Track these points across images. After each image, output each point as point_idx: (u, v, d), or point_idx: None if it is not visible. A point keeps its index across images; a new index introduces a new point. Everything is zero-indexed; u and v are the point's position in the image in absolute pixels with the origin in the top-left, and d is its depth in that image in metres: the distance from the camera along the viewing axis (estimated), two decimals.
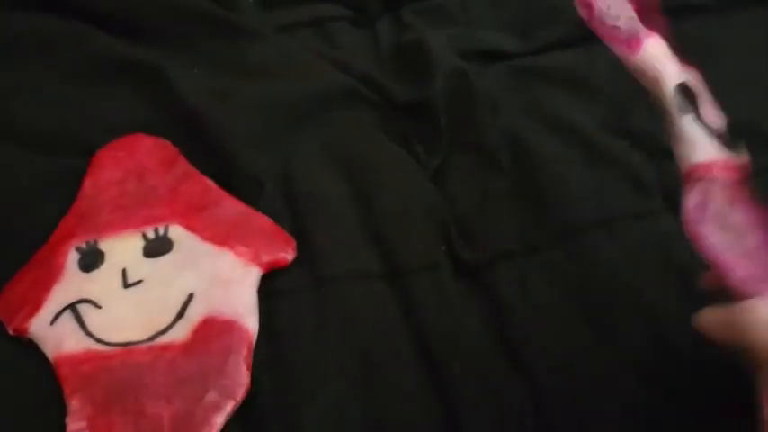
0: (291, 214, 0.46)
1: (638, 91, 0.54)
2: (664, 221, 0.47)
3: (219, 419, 0.37)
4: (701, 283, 0.37)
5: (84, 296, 0.41)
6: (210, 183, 0.47)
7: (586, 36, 0.58)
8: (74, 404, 0.38)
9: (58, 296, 0.41)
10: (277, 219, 0.46)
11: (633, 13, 0.38)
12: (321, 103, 0.53)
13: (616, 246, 0.45)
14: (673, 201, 0.46)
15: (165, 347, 0.40)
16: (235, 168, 0.48)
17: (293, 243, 0.44)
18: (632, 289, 0.43)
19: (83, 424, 0.37)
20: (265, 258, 0.43)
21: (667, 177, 0.48)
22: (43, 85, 0.53)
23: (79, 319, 0.41)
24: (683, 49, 0.38)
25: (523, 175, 0.49)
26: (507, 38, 0.58)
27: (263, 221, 0.45)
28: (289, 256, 0.44)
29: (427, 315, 0.42)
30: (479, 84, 0.53)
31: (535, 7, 0.61)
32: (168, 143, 0.49)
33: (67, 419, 0.38)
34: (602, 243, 0.45)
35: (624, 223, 0.46)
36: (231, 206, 0.45)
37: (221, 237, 0.44)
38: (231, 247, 0.43)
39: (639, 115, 0.52)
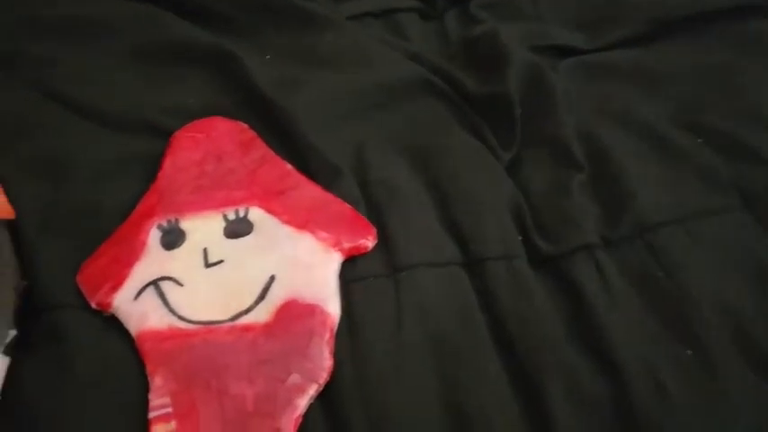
0: (367, 202, 0.46)
1: (709, 88, 0.54)
2: (740, 218, 0.46)
3: (303, 402, 0.37)
4: None
5: (167, 274, 0.41)
6: (289, 167, 0.46)
7: (655, 33, 0.59)
8: (157, 380, 0.38)
9: (141, 272, 0.41)
10: (353, 206, 0.45)
11: None
12: (393, 92, 0.53)
13: (693, 242, 0.45)
14: (749, 198, 0.47)
15: (247, 328, 0.40)
16: (310, 155, 0.48)
17: (373, 230, 0.44)
18: (710, 286, 0.43)
19: (166, 400, 0.37)
20: (346, 245, 0.43)
21: (741, 175, 0.48)
22: (115, 68, 0.54)
23: (162, 296, 0.41)
24: None
25: (598, 169, 0.49)
26: (576, 33, 0.58)
27: (344, 207, 0.45)
28: (369, 243, 0.43)
29: (505, 303, 0.42)
30: (552, 78, 0.53)
31: (603, 4, 0.60)
32: (246, 126, 0.49)
33: (150, 395, 0.38)
34: (678, 240, 0.45)
35: (700, 220, 0.46)
36: (310, 191, 0.45)
37: (301, 221, 0.43)
38: (312, 232, 0.43)
39: (712, 113, 0.51)
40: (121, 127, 0.50)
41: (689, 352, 0.40)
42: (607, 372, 0.40)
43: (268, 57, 0.55)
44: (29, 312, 0.40)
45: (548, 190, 0.48)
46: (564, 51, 0.57)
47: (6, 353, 0.39)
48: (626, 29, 0.58)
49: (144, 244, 0.42)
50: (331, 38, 0.56)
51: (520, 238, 0.45)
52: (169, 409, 0.37)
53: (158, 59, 0.54)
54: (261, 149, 0.47)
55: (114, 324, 0.40)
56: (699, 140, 0.50)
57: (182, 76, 0.53)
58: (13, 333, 0.39)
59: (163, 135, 0.49)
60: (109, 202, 0.45)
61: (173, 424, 0.37)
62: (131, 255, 0.42)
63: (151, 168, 0.47)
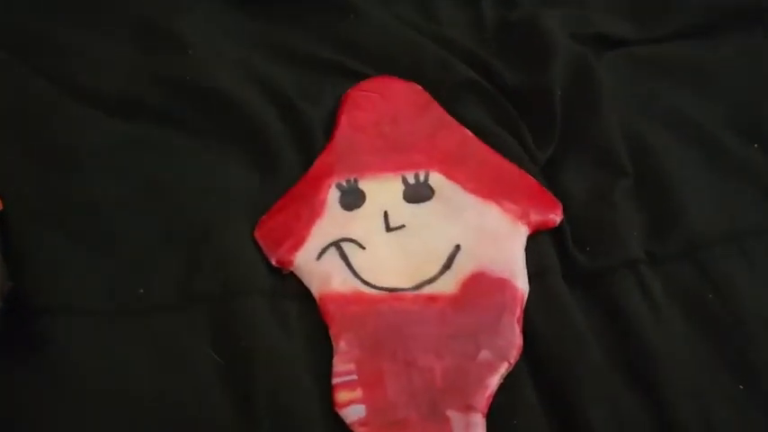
0: None
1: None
2: None
3: (494, 380, 0.35)
4: None
5: (348, 235, 0.40)
6: (468, 132, 0.44)
7: (712, 23, 0.52)
8: (342, 345, 0.37)
9: (322, 232, 0.40)
10: None
11: None
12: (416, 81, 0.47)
13: (748, 263, 0.40)
14: None
15: (432, 298, 0.38)
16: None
17: (560, 206, 0.41)
18: (766, 312, 0.38)
19: (351, 366, 0.36)
20: (534, 218, 0.40)
21: None
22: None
23: (345, 258, 0.39)
24: None
25: (644, 176, 0.43)
26: (623, 23, 0.51)
27: (529, 180, 0.42)
28: (557, 218, 0.41)
29: (536, 323, 0.38)
30: (599, 72, 0.47)
31: None
32: (420, 88, 0.46)
33: (335, 359, 0.36)
34: (732, 259, 0.40)
35: (756, 239, 0.41)
36: (494, 159, 0.43)
37: (486, 190, 0.41)
38: (497, 202, 0.41)
39: None
40: (119, 110, 0.45)
41: (741, 387, 0.36)
42: (654, 408, 0.35)
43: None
44: (14, 314, 0.37)
45: (588, 196, 0.43)
46: (608, 41, 0.50)
47: None
48: (679, 19, 0.51)
49: (323, 202, 0.41)
50: (353, 21, 0.50)
51: (553, 250, 0.41)
52: (354, 377, 0.36)
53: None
54: (437, 112, 0.45)
55: (108, 328, 0.38)
56: (755, 146, 0.45)
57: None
58: None
59: (167, 120, 0.45)
60: (106, 193, 0.42)
61: (358, 392, 0.35)
62: (312, 213, 0.41)
63: (150, 156, 0.43)
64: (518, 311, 0.37)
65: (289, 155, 0.44)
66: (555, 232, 0.41)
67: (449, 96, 0.47)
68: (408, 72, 0.47)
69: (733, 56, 0.49)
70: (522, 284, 0.38)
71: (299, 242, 0.40)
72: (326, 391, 0.36)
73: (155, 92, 0.46)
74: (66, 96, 0.46)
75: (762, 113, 0.46)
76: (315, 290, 0.38)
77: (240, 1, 0.51)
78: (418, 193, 0.42)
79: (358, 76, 0.48)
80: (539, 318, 0.38)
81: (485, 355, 0.36)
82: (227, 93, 0.45)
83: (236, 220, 0.41)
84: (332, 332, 0.37)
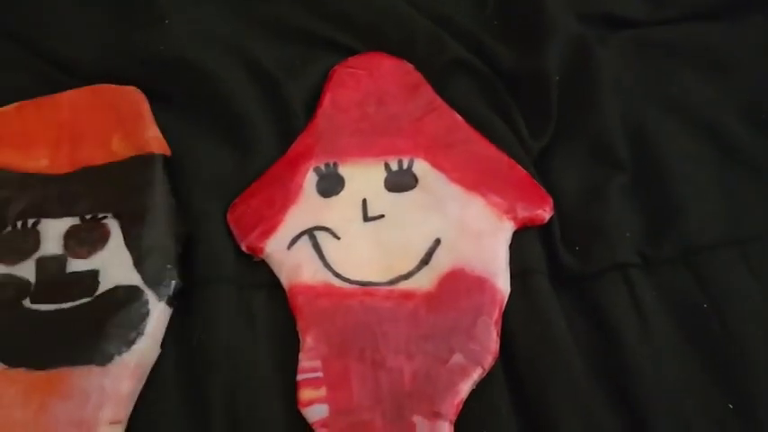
0: None
1: None
2: None
3: (465, 386, 0.33)
4: None
5: (323, 223, 0.38)
6: (458, 118, 0.42)
7: (732, 5, 0.47)
8: (308, 341, 0.35)
9: (296, 219, 0.38)
10: None
11: None
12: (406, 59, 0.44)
13: (748, 271, 0.37)
14: None
15: (407, 295, 0.36)
16: None
17: (551, 201, 0.39)
18: (763, 324, 0.36)
19: (317, 363, 0.34)
20: (521, 213, 0.38)
21: None
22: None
23: (317, 248, 0.37)
24: None
25: (645, 172, 0.41)
26: (634, 2, 0.48)
27: (519, 172, 0.40)
28: (546, 214, 0.39)
29: (516, 327, 0.36)
30: (600, 56, 0.44)
31: None
32: (411, 67, 0.44)
33: (301, 355, 0.35)
34: (731, 266, 0.38)
35: (759, 244, 0.38)
36: (483, 147, 0.41)
37: (472, 180, 0.39)
38: (483, 195, 0.38)
39: None
40: (95, 81, 0.44)
41: (730, 406, 0.34)
42: (632, 427, 0.33)
43: None
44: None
45: (581, 192, 0.40)
46: (617, 22, 0.47)
47: (169, 303, 0.36)
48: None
49: (300, 187, 0.39)
50: None
51: (540, 248, 0.38)
52: (319, 374, 0.34)
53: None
54: (427, 94, 0.43)
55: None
56: None
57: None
58: (174, 283, 0.36)
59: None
60: None
61: (322, 390, 0.34)
62: (286, 198, 0.39)
63: None
64: (496, 314, 0.35)
65: (266, 134, 0.41)
66: (543, 229, 0.39)
67: (440, 76, 0.44)
68: (399, 48, 0.45)
69: (753, 41, 0.46)
70: (502, 285, 0.36)
71: (270, 228, 0.38)
72: (290, 388, 0.34)
73: (128, 63, 0.44)
74: (45, 67, 0.45)
75: None
76: (284, 280, 0.37)
77: None
78: (401, 182, 0.39)
79: (348, 51, 0.45)
80: (518, 321, 0.36)
81: (457, 358, 0.34)
82: (200, 64, 0.43)
83: (206, 201, 0.39)
84: (299, 326, 0.35)
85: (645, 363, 0.35)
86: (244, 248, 0.38)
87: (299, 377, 0.34)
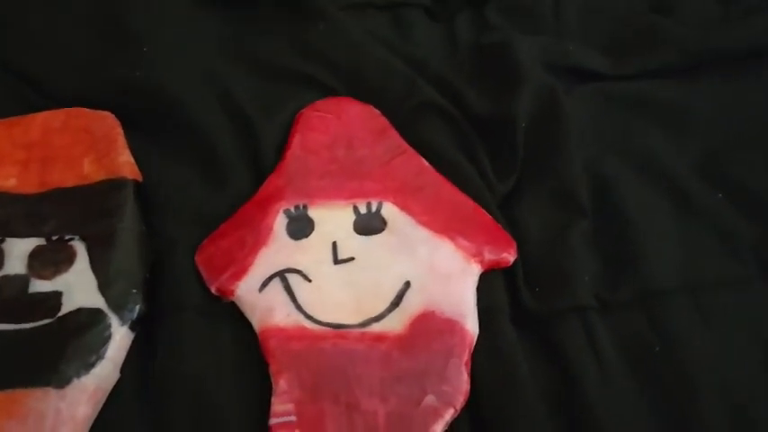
0: None
1: (742, 134, 0.46)
2: (756, 293, 0.40)
3: (438, 428, 0.34)
4: None
5: (294, 266, 0.38)
6: (425, 162, 0.43)
7: (691, 66, 0.50)
8: (281, 384, 0.35)
9: (267, 261, 0.38)
10: None
11: None
12: (379, 102, 0.46)
13: (699, 316, 0.39)
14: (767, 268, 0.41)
15: (379, 337, 0.36)
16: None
17: (515, 245, 0.40)
18: (711, 367, 0.37)
19: (289, 407, 0.34)
20: (488, 256, 0.39)
21: (763, 241, 0.41)
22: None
23: (289, 291, 0.37)
24: None
25: (604, 219, 0.42)
26: (600, 56, 0.50)
27: (484, 216, 0.41)
28: (511, 257, 0.40)
29: (479, 363, 0.36)
30: (566, 106, 0.46)
31: (635, 24, 0.51)
32: (377, 112, 0.45)
33: (273, 399, 0.34)
34: (683, 311, 0.39)
35: (711, 291, 0.40)
36: (449, 192, 0.42)
37: (440, 224, 0.40)
38: (451, 238, 0.39)
39: (740, 164, 0.45)
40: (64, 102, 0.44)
41: None
42: None
43: None
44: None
45: (543, 236, 0.41)
46: (582, 74, 0.49)
47: (132, 328, 0.36)
48: (657, 57, 0.49)
49: (270, 229, 0.39)
50: (324, 31, 0.48)
51: (504, 289, 0.39)
52: (293, 418, 0.34)
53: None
54: (394, 139, 0.44)
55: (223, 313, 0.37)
56: (719, 196, 0.43)
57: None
58: (138, 307, 0.36)
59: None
60: None
61: None
62: (257, 240, 0.39)
63: None
64: (466, 355, 0.36)
65: (238, 168, 0.42)
66: (506, 270, 0.40)
67: (412, 117, 0.45)
68: (374, 89, 0.46)
69: (710, 100, 0.48)
70: (471, 327, 0.37)
71: (241, 271, 0.38)
72: (255, 420, 0.34)
73: (105, 87, 0.44)
74: (22, 88, 0.45)
75: (731, 163, 0.45)
76: (256, 323, 0.37)
77: (211, 3, 0.49)
78: (369, 225, 0.40)
79: (324, 90, 0.46)
80: (481, 361, 0.37)
81: (430, 400, 0.34)
82: (175, 94, 0.43)
83: (176, 229, 0.39)
84: (272, 369, 0.35)
85: (600, 402, 0.36)
86: (213, 291, 0.38)
87: (273, 421, 0.34)
